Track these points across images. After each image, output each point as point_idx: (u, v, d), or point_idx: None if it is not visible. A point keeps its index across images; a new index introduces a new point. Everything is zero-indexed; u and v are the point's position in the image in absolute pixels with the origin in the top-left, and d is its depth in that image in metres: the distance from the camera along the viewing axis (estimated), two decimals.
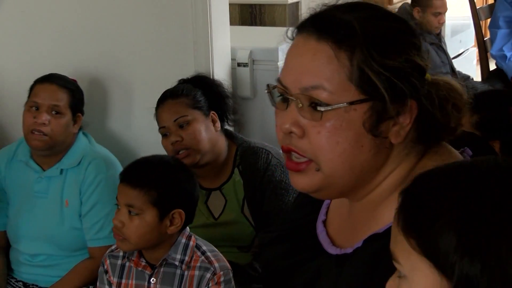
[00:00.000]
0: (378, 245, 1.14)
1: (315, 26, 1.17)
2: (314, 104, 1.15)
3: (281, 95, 1.21)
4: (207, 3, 2.69)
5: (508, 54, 4.07)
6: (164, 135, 2.42)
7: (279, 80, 1.21)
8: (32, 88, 2.54)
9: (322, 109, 1.14)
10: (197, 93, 2.45)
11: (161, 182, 1.95)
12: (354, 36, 1.13)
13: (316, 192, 1.23)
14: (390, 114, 1.14)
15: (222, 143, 2.46)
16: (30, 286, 2.58)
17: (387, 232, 1.06)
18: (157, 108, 2.45)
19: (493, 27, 4.18)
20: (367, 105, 1.14)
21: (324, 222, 1.34)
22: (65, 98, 2.52)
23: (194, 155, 2.38)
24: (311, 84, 1.15)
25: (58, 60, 2.87)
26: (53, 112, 2.48)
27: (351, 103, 1.13)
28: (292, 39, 1.23)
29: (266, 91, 1.26)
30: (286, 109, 1.19)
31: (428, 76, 1.19)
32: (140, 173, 1.99)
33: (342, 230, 1.31)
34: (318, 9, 1.21)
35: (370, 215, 1.24)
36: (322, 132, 1.15)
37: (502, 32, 4.11)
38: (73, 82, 2.61)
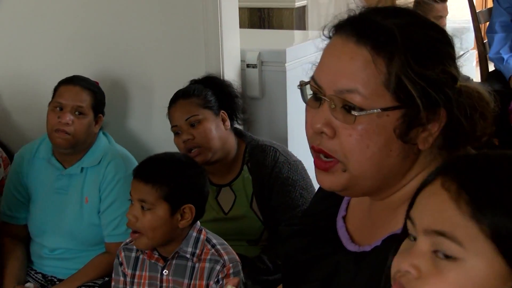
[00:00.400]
0: (397, 245, 1.12)
1: (355, 29, 1.14)
2: (347, 106, 1.12)
3: (314, 94, 1.18)
4: (217, 7, 2.69)
5: (505, 57, 4.06)
6: (176, 134, 2.42)
7: (313, 78, 1.18)
8: (56, 89, 2.54)
9: (356, 113, 1.11)
10: (207, 93, 2.44)
11: (172, 178, 1.95)
12: (394, 43, 1.10)
13: (341, 191, 1.22)
14: (421, 122, 1.12)
15: (232, 141, 2.47)
16: (49, 277, 2.58)
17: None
18: (169, 108, 2.45)
19: (490, 32, 4.18)
20: (400, 112, 1.11)
21: (344, 217, 1.32)
22: (88, 100, 2.52)
23: (205, 153, 2.38)
24: (347, 87, 1.12)
25: (81, 62, 2.88)
26: (76, 113, 2.48)
27: (385, 109, 1.11)
28: (329, 37, 1.20)
29: (298, 87, 1.22)
30: (318, 108, 1.16)
31: (459, 84, 1.16)
32: (152, 170, 1.99)
33: (361, 227, 1.29)
34: (358, 11, 1.18)
35: (391, 215, 1.22)
36: (353, 135, 1.12)
37: (498, 36, 4.11)
38: (96, 84, 2.61)
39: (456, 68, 1.16)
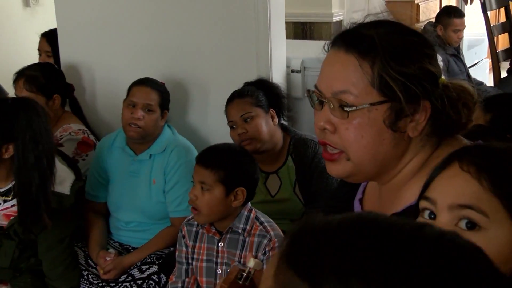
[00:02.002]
0: None
1: (344, 40, 1.17)
2: (342, 105, 1.14)
3: (317, 98, 1.20)
4: (267, 22, 2.68)
5: None
6: (232, 128, 2.42)
7: (315, 86, 1.21)
8: (130, 89, 2.56)
9: (348, 109, 1.13)
10: (259, 93, 2.44)
11: (227, 164, 1.95)
12: (374, 49, 1.11)
13: (348, 178, 1.22)
14: (406, 112, 1.12)
15: (279, 135, 2.45)
16: (125, 246, 2.60)
17: (405, 211, 1.08)
18: (226, 105, 2.45)
19: None
20: (387, 105, 1.12)
21: (361, 200, 1.32)
22: (156, 99, 2.53)
23: (255, 143, 2.38)
24: (340, 89, 1.14)
25: (152, 66, 2.90)
26: (146, 110, 2.49)
27: (373, 104, 1.13)
28: (327, 51, 1.22)
29: (306, 95, 1.25)
30: (321, 110, 1.18)
31: (442, 80, 1.17)
32: (211, 156, 1.99)
33: (373, 208, 1.29)
34: (347, 27, 1.21)
35: (394, 196, 1.22)
36: (349, 128, 1.14)
37: None
38: (162, 85, 2.62)
39: (434, 65, 1.16)
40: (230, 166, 1.95)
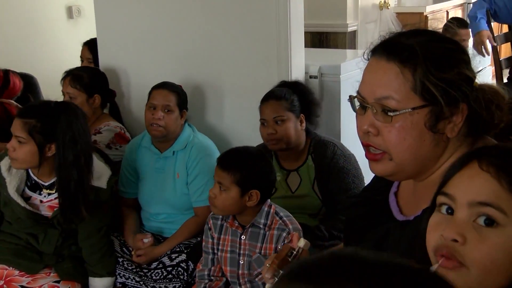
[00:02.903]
0: (428, 215, 1.09)
1: (385, 49, 1.15)
2: (385, 110, 1.12)
3: (360, 104, 1.18)
4: (287, 31, 2.65)
5: (479, 16, 3.93)
6: (262, 124, 2.36)
7: (358, 92, 1.18)
8: (150, 93, 2.55)
9: (391, 114, 1.11)
10: (294, 98, 2.36)
11: (243, 168, 1.93)
12: (415, 57, 1.10)
13: (390, 176, 1.21)
14: (446, 115, 1.11)
15: (303, 137, 2.40)
16: (156, 236, 2.59)
17: None
18: (262, 103, 2.39)
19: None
20: (427, 109, 1.11)
21: (396, 193, 1.29)
22: (174, 100, 2.51)
23: (281, 144, 2.33)
24: (383, 95, 1.12)
25: (179, 71, 2.89)
26: (166, 110, 2.48)
27: (415, 108, 1.11)
28: (367, 59, 1.19)
29: (348, 100, 1.22)
30: (364, 114, 1.16)
31: (476, 83, 1.14)
32: (229, 160, 1.97)
33: (408, 202, 1.26)
34: (387, 36, 1.18)
35: (429, 192, 1.17)
36: (392, 131, 1.12)
37: (479, 1, 4.00)
38: (180, 87, 2.61)
39: (470, 70, 1.14)
40: (245, 169, 1.93)
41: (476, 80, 1.15)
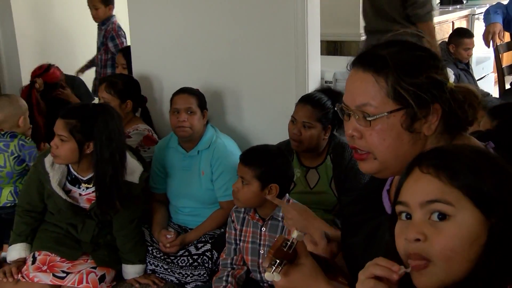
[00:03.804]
0: (389, 225, 1.09)
1: (361, 61, 1.16)
2: (365, 115, 1.14)
3: (344, 111, 1.20)
4: (305, 40, 2.64)
5: (492, 12, 3.84)
6: (292, 122, 2.32)
7: (343, 101, 1.20)
8: (172, 99, 2.56)
9: (370, 118, 1.13)
10: (329, 111, 2.28)
11: (263, 163, 1.94)
12: (387, 66, 1.11)
13: (376, 173, 1.21)
14: (419, 116, 1.12)
15: (324, 142, 2.35)
16: (183, 227, 2.60)
17: None
18: (299, 102, 2.34)
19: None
20: (402, 112, 1.12)
21: (388, 191, 1.29)
22: (194, 101, 2.52)
23: (302, 146, 2.30)
24: (362, 102, 1.14)
25: (205, 77, 2.90)
26: (189, 112, 2.49)
27: (390, 112, 1.12)
28: (349, 70, 1.21)
29: (337, 109, 1.24)
30: (349, 120, 1.18)
31: (450, 84, 1.15)
32: (250, 156, 1.98)
33: None
34: (364, 49, 1.21)
35: None
36: (373, 134, 1.14)
37: (497, 3, 3.92)
38: (197, 90, 2.61)
39: (440, 73, 1.14)
40: (265, 165, 1.93)
41: (451, 82, 1.16)
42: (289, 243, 1.11)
